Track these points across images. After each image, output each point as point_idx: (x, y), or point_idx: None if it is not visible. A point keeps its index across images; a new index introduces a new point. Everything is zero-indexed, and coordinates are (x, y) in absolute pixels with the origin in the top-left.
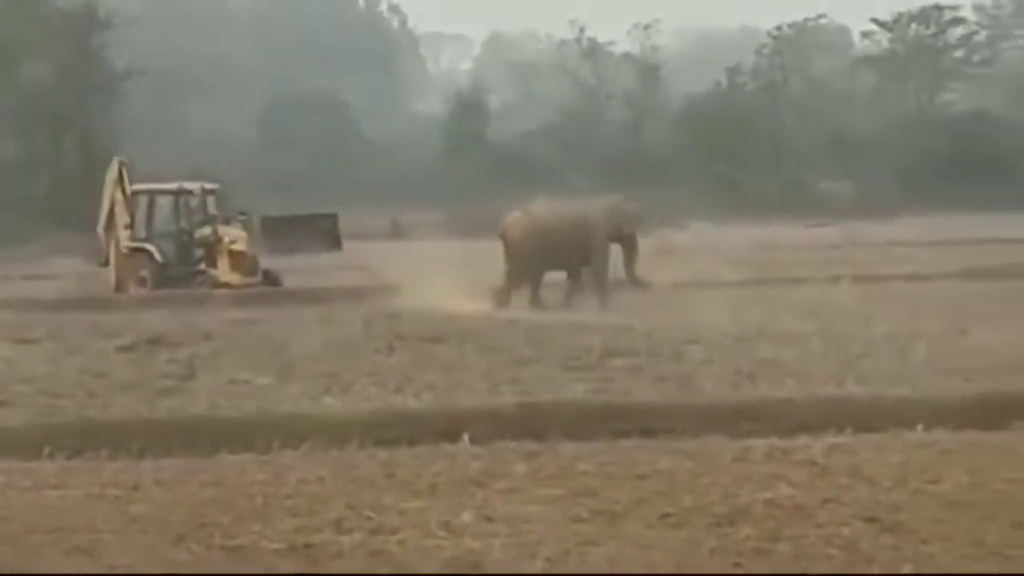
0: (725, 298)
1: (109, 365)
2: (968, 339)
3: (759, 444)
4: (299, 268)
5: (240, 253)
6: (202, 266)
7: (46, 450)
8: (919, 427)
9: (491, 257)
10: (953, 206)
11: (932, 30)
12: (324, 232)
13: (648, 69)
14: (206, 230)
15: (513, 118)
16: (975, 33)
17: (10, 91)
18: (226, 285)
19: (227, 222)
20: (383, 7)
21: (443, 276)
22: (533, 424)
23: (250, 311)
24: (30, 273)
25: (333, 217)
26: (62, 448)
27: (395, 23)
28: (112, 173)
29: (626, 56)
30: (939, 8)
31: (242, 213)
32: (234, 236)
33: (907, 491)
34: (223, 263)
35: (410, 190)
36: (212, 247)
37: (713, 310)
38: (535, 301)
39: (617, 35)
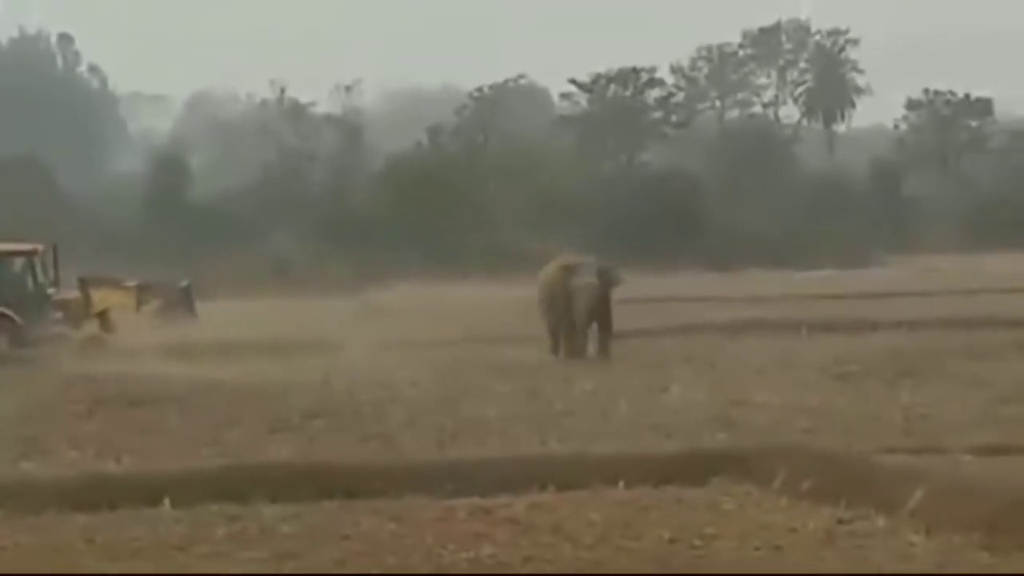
0: (429, 357)
1: None
2: (668, 396)
3: (462, 504)
4: None
5: (104, 313)
6: (60, 328)
7: None
8: (620, 484)
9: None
10: (652, 264)
11: (630, 91)
12: (185, 300)
13: (350, 129)
14: (72, 292)
15: (215, 178)
16: (672, 95)
17: None
18: (99, 344)
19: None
20: (83, 67)
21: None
22: (235, 487)
23: None
24: None
25: (188, 288)
26: None
27: (95, 83)
28: None
29: (328, 117)
30: (636, 70)
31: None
32: (110, 300)
33: (609, 548)
34: (90, 324)
35: (108, 250)
36: (75, 308)
37: (417, 370)
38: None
39: (319, 95)
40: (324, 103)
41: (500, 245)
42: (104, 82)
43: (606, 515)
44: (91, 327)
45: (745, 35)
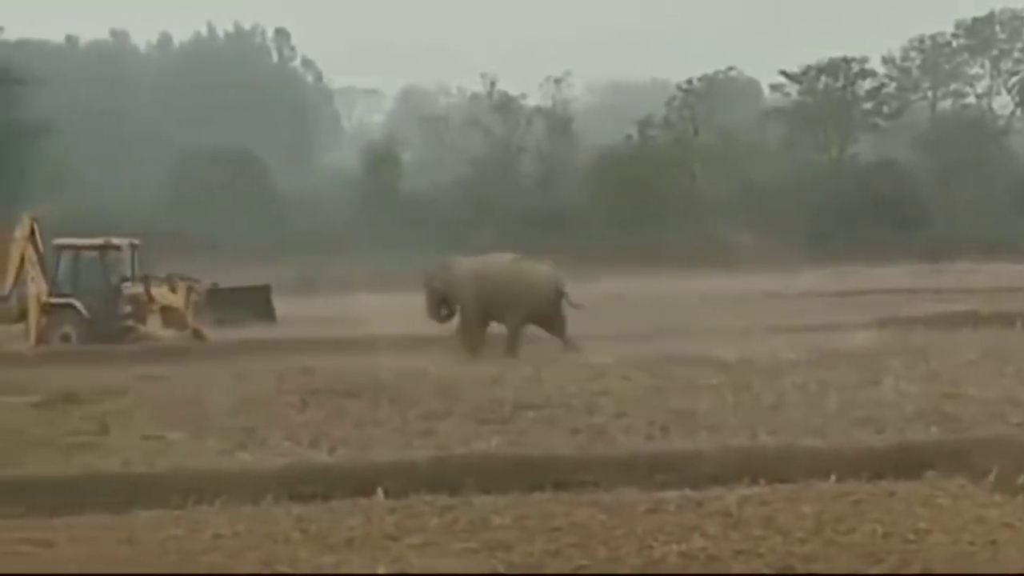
0: (638, 350)
1: (22, 422)
2: (880, 389)
3: (672, 496)
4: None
5: (172, 309)
6: (130, 322)
7: None
8: (832, 477)
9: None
10: (863, 257)
11: (841, 82)
12: (260, 303)
13: (559, 122)
14: (138, 287)
15: (426, 171)
16: (884, 86)
17: None
18: (157, 340)
19: (171, 283)
20: (297, 61)
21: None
22: (447, 478)
23: (163, 366)
24: None
25: (267, 289)
26: None
27: (309, 77)
28: (23, 228)
29: (537, 109)
30: (847, 61)
31: (184, 277)
32: (169, 299)
33: (821, 542)
34: (154, 320)
35: (323, 244)
36: (142, 304)
37: (626, 362)
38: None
39: (529, 88)
40: (534, 96)
41: (709, 237)
42: (319, 76)
43: (818, 508)
44: (155, 323)
45: (958, 25)
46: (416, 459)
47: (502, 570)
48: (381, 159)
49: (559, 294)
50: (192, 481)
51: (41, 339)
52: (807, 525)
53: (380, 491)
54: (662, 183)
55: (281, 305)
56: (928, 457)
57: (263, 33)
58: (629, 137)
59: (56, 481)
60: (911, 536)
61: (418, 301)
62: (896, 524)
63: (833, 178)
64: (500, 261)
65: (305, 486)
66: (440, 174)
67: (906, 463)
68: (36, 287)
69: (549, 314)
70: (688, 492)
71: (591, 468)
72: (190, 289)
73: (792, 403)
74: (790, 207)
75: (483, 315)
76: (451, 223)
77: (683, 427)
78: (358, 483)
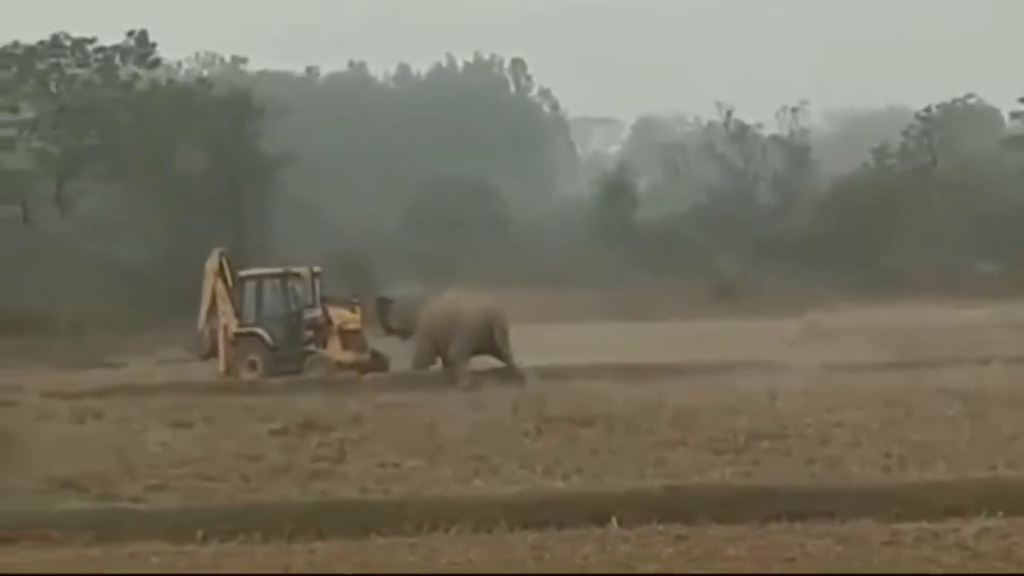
0: (874, 380)
1: (262, 448)
2: None
3: (909, 528)
4: None
5: (351, 332)
6: (311, 347)
7: (200, 533)
8: None
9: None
10: None
11: None
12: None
13: (796, 151)
14: (315, 311)
15: (662, 200)
16: None
17: (165, 178)
18: (338, 364)
19: (350, 304)
20: (534, 92)
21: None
22: (681, 507)
23: (398, 394)
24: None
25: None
26: (216, 531)
27: (546, 108)
28: (213, 263)
29: (774, 138)
30: None
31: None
32: (345, 318)
33: None
34: (334, 343)
35: (558, 273)
36: (322, 328)
37: (862, 392)
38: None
39: (765, 117)
40: (770, 125)
41: (947, 267)
42: (555, 106)
43: None
44: (335, 346)
45: None
46: (650, 488)
47: None
48: (617, 188)
49: (494, 325)
50: (427, 508)
51: (229, 368)
52: None
53: (614, 520)
54: (900, 212)
55: (519, 333)
56: None
57: (500, 63)
58: (865, 165)
59: (294, 507)
60: None
61: (654, 329)
62: None
63: None
64: (441, 297)
65: (539, 514)
66: (676, 203)
67: None
68: (226, 320)
69: (489, 344)
70: (925, 524)
71: (826, 499)
72: (362, 307)
73: None
74: None
75: (431, 348)
76: (688, 251)
77: (920, 458)
78: (592, 511)
